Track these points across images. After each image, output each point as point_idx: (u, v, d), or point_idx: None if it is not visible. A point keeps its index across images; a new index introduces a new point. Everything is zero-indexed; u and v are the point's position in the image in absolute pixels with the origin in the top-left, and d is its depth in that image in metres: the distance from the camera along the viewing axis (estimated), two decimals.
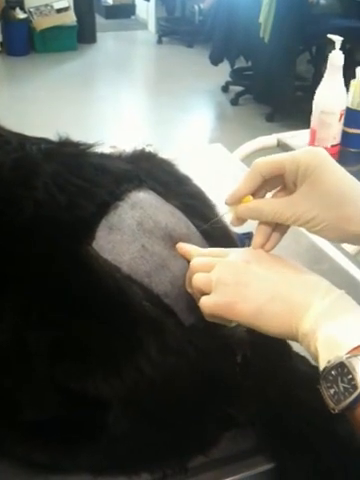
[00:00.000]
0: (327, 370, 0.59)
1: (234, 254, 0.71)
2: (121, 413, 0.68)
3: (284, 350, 0.81)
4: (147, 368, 0.67)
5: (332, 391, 0.59)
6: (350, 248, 1.44)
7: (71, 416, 0.69)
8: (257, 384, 0.76)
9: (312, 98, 1.69)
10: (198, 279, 0.70)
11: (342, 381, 0.58)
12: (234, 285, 0.67)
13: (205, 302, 0.69)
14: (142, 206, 0.74)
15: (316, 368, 0.76)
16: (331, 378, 0.58)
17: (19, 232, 0.68)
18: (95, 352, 0.67)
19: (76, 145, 0.79)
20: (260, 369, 0.76)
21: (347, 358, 0.57)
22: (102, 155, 0.80)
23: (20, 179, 0.70)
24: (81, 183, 0.71)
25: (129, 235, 0.71)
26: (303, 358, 0.83)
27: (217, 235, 0.81)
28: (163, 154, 0.89)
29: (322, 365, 0.60)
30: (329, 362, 0.59)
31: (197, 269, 0.71)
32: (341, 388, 0.58)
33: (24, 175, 0.70)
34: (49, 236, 0.68)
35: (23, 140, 0.76)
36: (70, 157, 0.75)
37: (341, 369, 0.58)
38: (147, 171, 0.81)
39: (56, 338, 0.66)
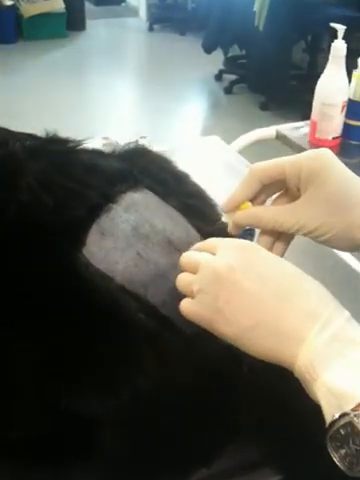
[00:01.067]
0: (334, 429, 0.51)
1: (221, 252, 0.62)
2: (116, 430, 0.64)
3: None
4: (143, 384, 0.62)
5: (343, 452, 0.51)
6: None
7: (62, 434, 0.64)
8: (264, 393, 0.71)
9: (307, 87, 1.66)
10: (181, 281, 0.64)
11: (353, 442, 0.50)
12: (214, 298, 0.59)
13: (185, 308, 0.62)
14: (137, 209, 0.68)
15: None
16: (340, 437, 0.51)
17: (1, 238, 0.62)
18: (86, 368, 0.62)
19: (65, 142, 0.73)
20: (267, 378, 0.71)
21: (355, 416, 0.50)
22: (94, 152, 0.75)
23: (1, 179, 0.64)
24: (70, 184, 0.65)
25: (123, 241, 0.65)
26: None
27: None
28: (158, 146, 0.84)
29: (327, 418, 0.53)
30: (334, 417, 0.51)
31: (183, 267, 0.64)
32: (353, 450, 0.50)
33: (6, 175, 0.64)
34: (34, 242, 0.62)
35: (6, 135, 0.70)
36: (58, 155, 0.69)
37: (351, 428, 0.50)
38: (143, 168, 0.76)
39: (43, 354, 0.61)
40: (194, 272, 0.62)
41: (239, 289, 0.58)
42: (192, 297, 0.62)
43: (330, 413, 0.52)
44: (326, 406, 0.53)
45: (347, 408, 0.50)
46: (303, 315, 0.56)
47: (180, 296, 0.66)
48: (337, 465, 0.52)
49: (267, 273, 0.59)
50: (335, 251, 1.16)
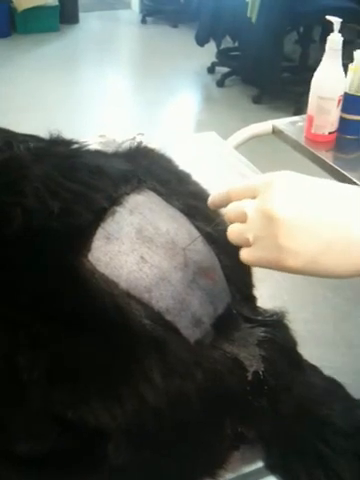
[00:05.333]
0: None
1: (263, 193, 0.60)
2: (122, 441, 0.63)
3: (297, 364, 0.75)
4: (149, 394, 0.62)
5: None
6: None
7: (69, 447, 0.64)
8: (269, 401, 0.71)
9: (299, 79, 1.64)
10: (233, 233, 0.62)
11: None
12: (273, 239, 0.58)
13: (246, 257, 0.61)
14: (141, 211, 0.68)
15: (329, 380, 0.70)
16: None
17: (6, 244, 0.61)
18: (92, 378, 0.61)
19: (68, 144, 0.72)
20: (272, 385, 0.71)
21: None
22: (97, 154, 0.74)
23: (7, 184, 0.63)
24: (75, 187, 0.64)
25: (127, 245, 0.65)
26: (315, 368, 0.78)
27: (222, 238, 0.75)
28: (155, 143, 0.83)
29: None
30: None
31: (231, 219, 0.63)
32: None
33: (11, 180, 0.64)
34: (40, 248, 0.62)
35: (9, 138, 0.69)
36: (62, 158, 0.69)
37: None
38: (146, 169, 0.75)
39: (49, 363, 0.60)
40: (243, 221, 0.61)
41: (296, 222, 0.57)
42: (248, 246, 0.60)
43: None
44: None
45: None
46: None
47: (183, 301, 0.66)
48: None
49: (318, 197, 0.58)
50: None
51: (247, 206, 0.61)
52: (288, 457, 0.73)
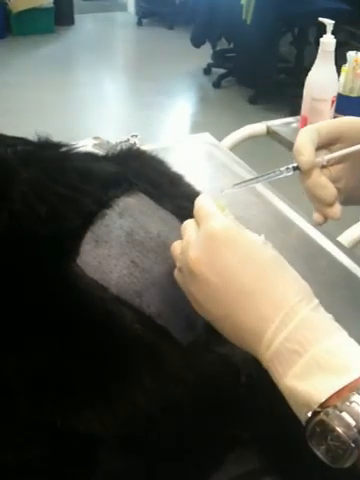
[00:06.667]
0: (310, 428, 0.51)
1: (195, 241, 0.59)
2: (114, 447, 0.63)
3: None
4: (142, 399, 0.61)
5: (323, 448, 0.51)
6: (346, 241, 1.40)
7: (60, 454, 0.63)
8: (264, 403, 0.69)
9: (295, 80, 1.66)
10: (173, 250, 0.63)
11: (331, 439, 0.50)
12: (188, 284, 0.59)
13: (175, 274, 0.62)
14: (132, 214, 0.67)
15: None
16: (317, 434, 0.51)
17: None
18: (82, 385, 0.60)
19: (57, 146, 0.71)
20: (266, 387, 0.70)
21: (325, 414, 0.50)
22: (87, 156, 0.73)
23: None
24: (64, 191, 0.63)
25: (117, 249, 0.64)
26: None
27: None
28: (149, 144, 0.83)
29: (301, 417, 0.53)
30: (307, 416, 0.51)
31: (183, 234, 0.63)
32: (332, 446, 0.50)
33: None
34: (27, 253, 0.60)
35: None
36: (51, 161, 0.68)
37: (324, 426, 0.50)
38: (137, 171, 0.74)
39: (38, 371, 0.59)
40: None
41: (205, 282, 0.57)
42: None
43: (299, 412, 0.52)
44: (294, 406, 0.53)
45: (315, 406, 0.50)
46: (262, 314, 0.55)
47: (175, 304, 0.65)
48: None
49: (233, 267, 0.57)
50: (329, 251, 1.15)
51: (184, 240, 0.61)
52: (284, 459, 0.73)
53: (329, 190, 0.68)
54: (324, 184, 0.68)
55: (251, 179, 0.69)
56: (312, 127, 0.69)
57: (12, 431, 0.61)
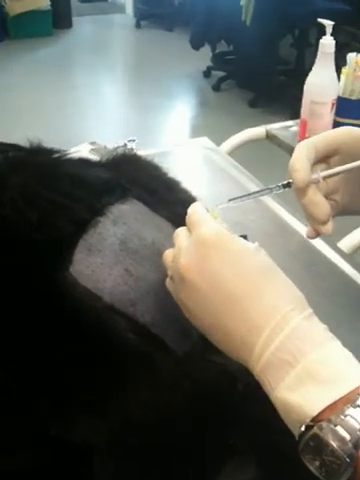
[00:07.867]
0: (304, 442, 0.50)
1: (186, 247, 0.59)
2: (108, 456, 0.61)
3: None
4: (136, 409, 0.60)
5: (317, 463, 0.49)
6: (345, 247, 1.39)
7: (53, 462, 0.62)
8: (261, 412, 0.68)
9: (295, 83, 1.63)
10: (165, 258, 0.63)
11: (325, 454, 0.48)
12: (178, 292, 0.59)
13: (167, 283, 0.62)
14: (126, 221, 0.66)
15: None
16: (311, 449, 0.49)
17: None
18: (76, 395, 0.59)
19: (49, 153, 0.69)
20: (263, 396, 0.69)
21: (318, 428, 0.48)
22: (80, 162, 0.72)
23: None
24: (55, 198, 0.61)
25: (111, 257, 0.62)
26: None
27: None
28: (146, 149, 0.81)
29: (294, 431, 0.51)
30: (301, 430, 0.50)
31: (175, 242, 0.62)
32: (327, 461, 0.48)
33: None
34: (18, 261, 0.59)
35: None
36: (42, 168, 0.66)
37: (318, 440, 0.48)
38: (131, 177, 0.73)
39: (29, 378, 0.58)
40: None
41: (195, 288, 0.57)
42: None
43: (292, 425, 0.51)
44: (286, 419, 0.52)
45: (307, 420, 0.49)
46: (252, 323, 0.54)
47: (170, 313, 0.64)
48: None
49: (223, 274, 0.56)
50: (328, 257, 1.14)
51: (181, 241, 0.60)
52: (280, 469, 0.71)
53: (322, 209, 0.67)
54: (317, 202, 0.67)
55: (243, 195, 0.68)
56: (309, 142, 0.68)
57: (5, 440, 0.60)
